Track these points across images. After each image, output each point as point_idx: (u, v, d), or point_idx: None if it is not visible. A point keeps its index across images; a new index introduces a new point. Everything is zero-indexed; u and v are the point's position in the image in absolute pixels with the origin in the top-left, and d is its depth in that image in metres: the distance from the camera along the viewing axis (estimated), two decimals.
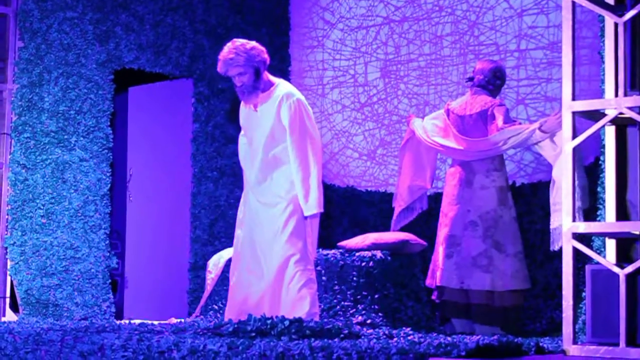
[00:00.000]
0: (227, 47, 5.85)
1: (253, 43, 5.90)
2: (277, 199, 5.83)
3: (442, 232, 6.77)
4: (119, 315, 8.17)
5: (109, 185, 7.66)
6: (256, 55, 5.84)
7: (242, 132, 6.18)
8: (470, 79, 6.92)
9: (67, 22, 7.47)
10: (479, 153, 6.67)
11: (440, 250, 6.73)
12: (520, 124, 6.69)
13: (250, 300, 5.81)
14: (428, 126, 6.94)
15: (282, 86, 5.95)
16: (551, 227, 6.35)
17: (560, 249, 5.98)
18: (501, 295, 6.59)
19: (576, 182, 5.79)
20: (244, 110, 6.08)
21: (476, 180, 6.74)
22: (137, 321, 6.70)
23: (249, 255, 5.90)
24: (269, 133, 5.86)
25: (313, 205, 5.73)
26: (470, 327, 6.66)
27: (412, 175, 7.04)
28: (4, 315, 7.02)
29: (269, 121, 5.86)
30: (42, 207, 7.25)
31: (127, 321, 6.75)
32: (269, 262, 5.78)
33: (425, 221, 7.61)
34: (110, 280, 7.60)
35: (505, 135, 6.54)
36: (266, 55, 5.91)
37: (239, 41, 5.89)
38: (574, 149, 4.94)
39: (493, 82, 6.89)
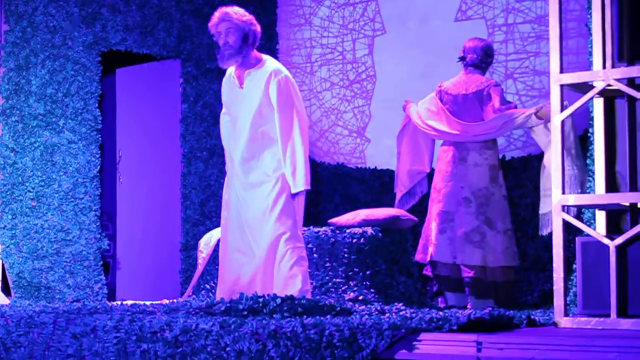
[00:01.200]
0: (228, 7, 5.88)
1: (251, 16, 5.93)
2: (264, 177, 5.81)
3: (434, 208, 6.83)
4: (112, 296, 8.17)
5: (99, 167, 7.64)
6: (250, 24, 5.88)
7: (224, 110, 6.12)
8: (463, 59, 6.95)
9: (52, 5, 7.43)
10: (474, 137, 6.75)
11: (433, 226, 6.80)
12: (515, 106, 6.80)
13: (242, 280, 5.81)
14: (422, 111, 7.00)
15: (269, 62, 5.93)
16: (540, 212, 6.50)
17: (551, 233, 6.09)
18: (492, 271, 6.69)
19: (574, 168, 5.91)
20: (228, 86, 6.03)
21: (470, 158, 6.82)
22: (130, 302, 6.70)
23: (238, 236, 5.88)
24: (256, 110, 5.83)
25: (300, 182, 5.73)
26: (463, 300, 6.74)
27: (411, 160, 7.14)
28: None
29: (257, 98, 5.83)
30: (31, 190, 7.23)
31: (119, 302, 6.75)
32: (259, 241, 5.77)
33: None
34: (101, 262, 7.60)
35: (501, 120, 6.64)
36: (259, 31, 5.93)
37: (239, 8, 5.93)
38: (563, 122, 4.95)
39: (485, 60, 6.99)
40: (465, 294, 6.74)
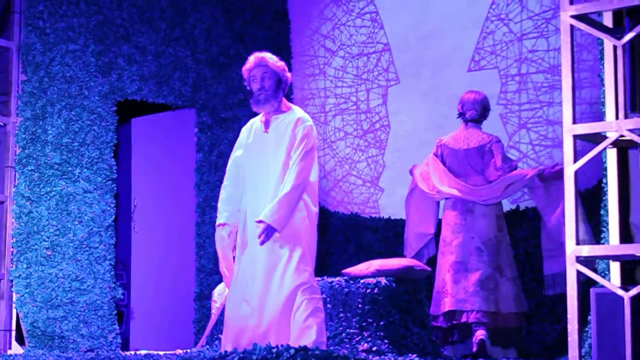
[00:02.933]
0: (262, 53, 5.91)
1: (283, 62, 5.97)
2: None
3: (446, 260, 6.97)
4: (125, 346, 8.15)
5: (114, 216, 7.67)
6: (283, 70, 5.91)
7: (238, 153, 6.02)
8: (462, 114, 7.07)
9: (69, 55, 7.50)
10: (482, 201, 6.92)
11: (447, 277, 6.92)
12: (516, 165, 7.01)
13: (248, 332, 5.72)
14: (424, 174, 7.19)
15: (297, 110, 5.95)
16: (544, 273, 6.80)
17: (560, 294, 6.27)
18: (505, 317, 6.82)
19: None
20: (250, 131, 5.99)
21: (476, 209, 7.00)
22: (144, 352, 6.68)
23: (249, 285, 5.82)
24: (286, 156, 5.78)
25: (275, 219, 5.61)
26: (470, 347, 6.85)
27: (418, 223, 7.28)
28: (10, 348, 7.01)
29: (283, 142, 5.81)
30: (47, 239, 7.25)
31: (133, 352, 6.73)
32: (277, 292, 5.72)
33: None
34: (116, 311, 7.59)
35: (505, 182, 6.84)
36: (290, 77, 5.96)
37: (272, 55, 5.96)
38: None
39: (484, 114, 7.20)
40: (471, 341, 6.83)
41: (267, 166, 5.84)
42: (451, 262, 6.92)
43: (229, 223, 5.91)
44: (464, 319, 6.79)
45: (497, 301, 6.79)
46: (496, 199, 6.91)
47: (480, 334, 6.70)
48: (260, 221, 5.59)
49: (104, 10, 7.74)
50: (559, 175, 6.66)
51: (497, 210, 7.00)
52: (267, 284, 5.75)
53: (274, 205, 5.61)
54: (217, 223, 5.92)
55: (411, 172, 7.33)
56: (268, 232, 5.59)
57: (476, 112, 7.09)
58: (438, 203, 7.26)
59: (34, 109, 7.30)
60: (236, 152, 6.03)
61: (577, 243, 4.88)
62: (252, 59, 5.93)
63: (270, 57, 5.92)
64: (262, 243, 5.61)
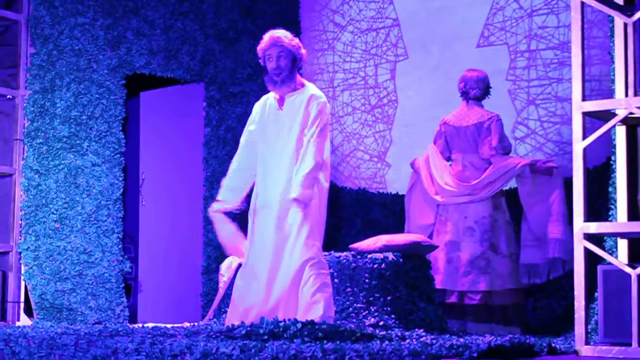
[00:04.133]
0: (277, 31, 5.89)
1: (297, 40, 5.95)
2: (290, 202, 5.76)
3: (441, 238, 7.17)
4: (133, 319, 8.18)
5: (122, 189, 7.68)
6: (299, 48, 5.91)
7: (251, 128, 6.05)
8: (465, 93, 7.13)
9: (78, 28, 7.49)
10: (480, 198, 7.05)
11: (440, 256, 7.09)
12: (511, 147, 7.14)
13: (262, 308, 5.75)
14: (425, 164, 7.34)
15: (311, 87, 5.96)
16: (520, 262, 6.99)
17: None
18: (500, 295, 6.95)
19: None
20: (263, 108, 6.01)
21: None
22: (151, 325, 6.71)
23: (261, 259, 5.85)
24: (299, 132, 5.79)
25: (303, 194, 5.64)
26: (464, 326, 7.02)
27: (419, 216, 7.40)
28: (18, 320, 7.04)
29: (297, 119, 5.82)
30: (55, 212, 7.27)
31: (140, 325, 6.77)
32: (285, 267, 5.74)
33: None
34: (123, 284, 7.62)
35: (498, 174, 6.97)
36: (304, 54, 5.94)
37: (287, 32, 5.93)
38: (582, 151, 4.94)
39: (487, 92, 7.29)
40: (465, 321, 7.01)
41: (280, 143, 5.86)
42: (445, 241, 7.09)
43: (222, 199, 6.13)
44: (453, 299, 6.95)
45: (491, 280, 6.89)
46: (490, 193, 7.01)
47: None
48: (293, 199, 5.63)
49: None
50: (549, 171, 6.91)
51: None
52: (277, 259, 5.78)
53: (301, 181, 5.64)
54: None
55: (412, 166, 7.42)
56: (300, 204, 5.63)
57: (480, 90, 7.19)
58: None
59: (43, 82, 7.30)
60: (249, 127, 6.07)
61: (585, 220, 4.88)
62: (267, 38, 5.90)
63: (285, 36, 5.89)
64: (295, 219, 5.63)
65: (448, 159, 7.33)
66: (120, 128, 7.71)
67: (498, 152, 7.01)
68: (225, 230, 6.17)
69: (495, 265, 6.94)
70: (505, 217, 7.08)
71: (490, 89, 7.27)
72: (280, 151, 5.85)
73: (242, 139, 6.12)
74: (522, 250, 6.98)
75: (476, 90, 7.17)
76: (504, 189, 7.18)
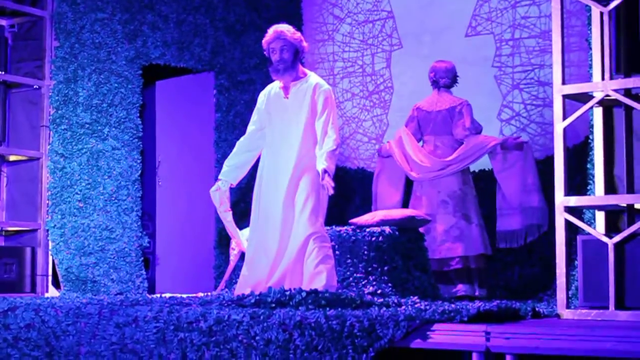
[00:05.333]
0: (280, 25, 5.87)
1: (299, 33, 5.93)
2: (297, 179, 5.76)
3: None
4: (152, 290, 8.21)
5: (140, 171, 7.69)
6: (300, 41, 5.87)
7: (255, 126, 6.03)
8: (435, 82, 7.33)
9: (98, 23, 7.48)
10: (451, 170, 7.14)
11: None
12: (481, 129, 7.20)
13: (265, 281, 5.75)
14: (399, 145, 7.41)
15: (313, 76, 5.93)
16: (497, 229, 7.13)
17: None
18: (475, 259, 7.10)
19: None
20: (268, 97, 5.99)
21: None
22: (168, 295, 6.74)
23: (266, 238, 5.84)
24: (307, 120, 5.78)
25: (329, 166, 5.65)
26: (450, 290, 7.14)
27: (387, 196, 7.51)
28: (47, 291, 7.07)
29: (304, 108, 5.79)
30: (79, 193, 7.29)
31: (158, 295, 6.79)
32: (291, 241, 5.75)
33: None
34: (142, 258, 7.63)
35: (472, 150, 7.09)
36: (306, 47, 5.92)
37: (289, 26, 5.91)
38: (566, 129, 4.94)
39: (455, 80, 7.39)
40: (453, 285, 7.14)
41: (287, 130, 5.84)
42: None
43: (222, 178, 6.16)
44: (435, 267, 7.02)
45: (466, 246, 7.04)
46: (463, 165, 7.12)
47: (460, 288, 7.05)
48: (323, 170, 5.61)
49: None
50: (519, 146, 7.07)
51: None
52: (284, 237, 5.78)
53: (328, 155, 5.64)
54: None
55: (379, 152, 7.52)
56: (325, 174, 5.61)
57: (448, 79, 7.31)
58: (404, 178, 7.44)
59: (66, 73, 7.30)
60: (255, 117, 6.05)
61: (565, 194, 4.89)
62: (271, 32, 5.86)
63: (288, 30, 5.85)
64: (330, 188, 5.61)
65: (419, 140, 7.39)
66: (138, 115, 7.71)
67: (471, 132, 7.18)
68: (223, 217, 6.22)
69: (470, 233, 7.08)
70: (473, 192, 7.24)
71: (458, 78, 7.37)
72: (287, 136, 5.84)
73: (250, 125, 6.11)
74: (499, 219, 7.11)
75: (445, 79, 7.31)
76: (472, 169, 7.31)
